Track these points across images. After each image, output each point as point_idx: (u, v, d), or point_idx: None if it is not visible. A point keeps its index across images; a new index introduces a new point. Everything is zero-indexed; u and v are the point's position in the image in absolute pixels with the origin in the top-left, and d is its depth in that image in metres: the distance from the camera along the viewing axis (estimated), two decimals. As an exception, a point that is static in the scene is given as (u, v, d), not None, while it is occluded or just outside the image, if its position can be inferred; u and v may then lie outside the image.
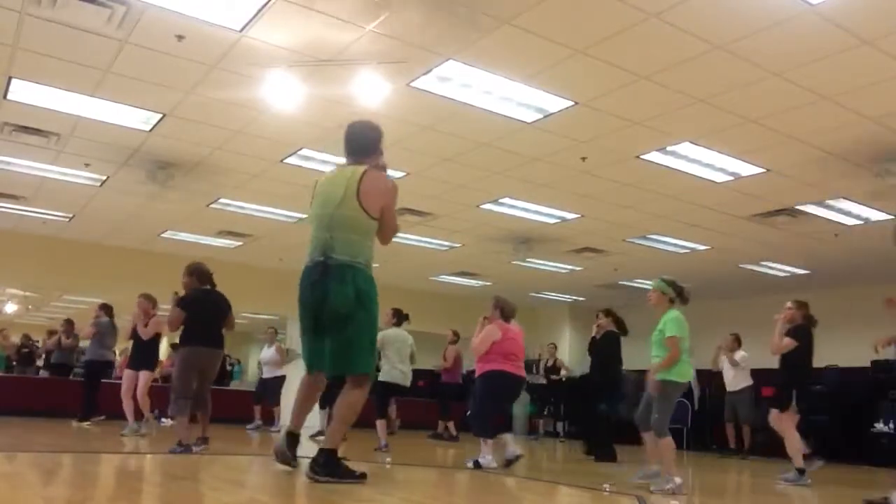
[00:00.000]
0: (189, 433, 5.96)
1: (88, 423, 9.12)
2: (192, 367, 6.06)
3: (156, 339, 8.36)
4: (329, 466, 3.64)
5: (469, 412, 6.54)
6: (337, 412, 3.82)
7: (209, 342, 6.16)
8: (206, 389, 6.30)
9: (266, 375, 11.40)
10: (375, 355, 3.94)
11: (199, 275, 6.26)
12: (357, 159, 3.97)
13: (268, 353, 11.57)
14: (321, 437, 9.25)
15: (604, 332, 8.43)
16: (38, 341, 15.46)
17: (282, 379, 11.03)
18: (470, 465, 6.15)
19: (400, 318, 8.26)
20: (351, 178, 3.84)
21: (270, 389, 11.21)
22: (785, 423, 6.38)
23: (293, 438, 4.05)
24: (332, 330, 3.77)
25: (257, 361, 12.03)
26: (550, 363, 13.40)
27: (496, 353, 6.50)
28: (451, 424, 11.08)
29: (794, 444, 6.29)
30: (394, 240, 4.20)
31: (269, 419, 11.28)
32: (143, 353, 8.31)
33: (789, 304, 6.58)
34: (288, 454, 3.98)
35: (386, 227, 3.95)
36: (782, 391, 6.49)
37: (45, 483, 3.73)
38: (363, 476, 3.74)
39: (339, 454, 3.79)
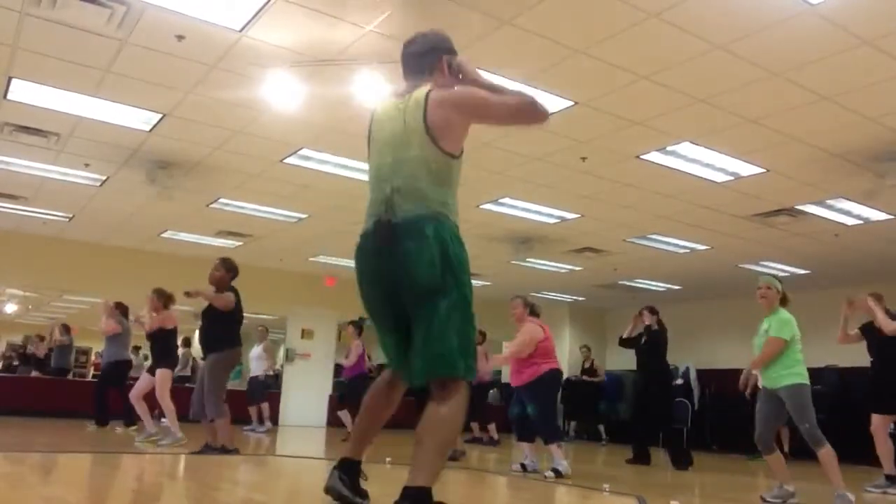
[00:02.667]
0: (233, 436, 5.93)
1: (133, 427, 8.86)
2: (231, 367, 6.08)
3: (172, 334, 7.97)
4: None
5: (528, 416, 6.35)
6: (432, 438, 2.51)
7: (240, 343, 6.24)
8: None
9: (255, 373, 11.43)
10: (475, 351, 2.66)
11: (234, 272, 6.18)
12: (417, 80, 2.90)
13: (256, 350, 11.60)
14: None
15: (654, 329, 8.31)
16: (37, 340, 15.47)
17: (274, 377, 11.05)
18: (550, 474, 5.98)
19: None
20: (413, 106, 2.79)
21: (258, 387, 11.21)
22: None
23: (351, 468, 2.91)
24: (418, 312, 2.61)
25: (248, 359, 12.05)
26: (588, 365, 13.59)
27: (543, 352, 6.39)
28: (492, 427, 10.91)
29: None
30: None
31: (258, 417, 11.25)
32: (161, 351, 7.86)
33: (866, 295, 6.42)
34: (347, 495, 2.83)
35: (502, 116, 2.97)
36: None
37: (45, 483, 3.73)
38: None
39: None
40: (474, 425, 11.07)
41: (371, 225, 2.75)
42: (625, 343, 8.69)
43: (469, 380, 2.60)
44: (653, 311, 8.44)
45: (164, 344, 7.81)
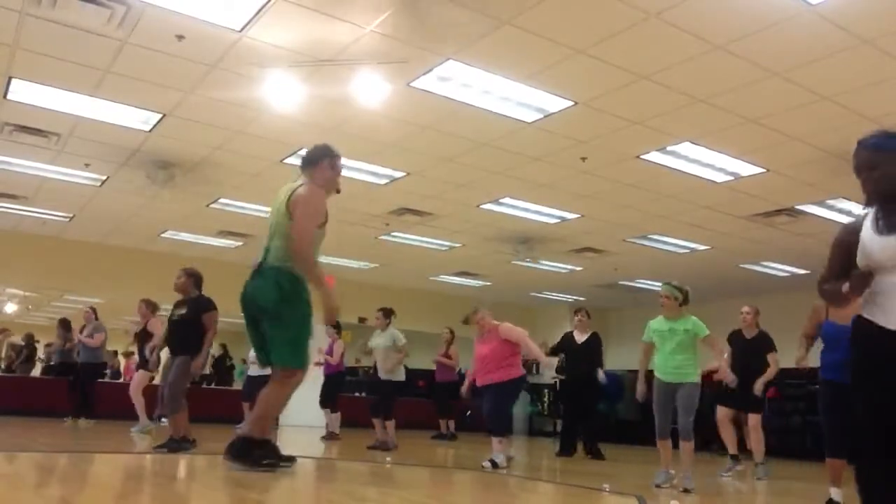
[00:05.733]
0: (189, 428, 6.05)
1: (90, 420, 9.28)
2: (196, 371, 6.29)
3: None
4: (243, 454, 3.85)
5: (478, 413, 6.51)
6: (265, 405, 4.04)
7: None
8: None
9: (252, 373, 11.42)
10: (306, 350, 4.10)
11: (196, 279, 6.31)
12: (304, 170, 4.24)
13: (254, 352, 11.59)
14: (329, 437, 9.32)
15: (593, 332, 8.66)
16: (37, 342, 15.42)
17: (268, 377, 11.03)
18: (487, 465, 6.09)
19: (390, 315, 8.23)
20: (288, 190, 4.10)
21: (257, 387, 11.21)
22: None
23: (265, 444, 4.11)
24: (265, 324, 4.00)
25: (242, 359, 12.07)
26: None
27: (517, 357, 6.56)
28: (451, 423, 11.09)
29: None
30: (393, 239, 4.21)
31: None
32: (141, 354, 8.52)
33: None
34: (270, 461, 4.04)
35: (294, 228, 3.99)
36: None
37: (45, 483, 3.73)
38: (287, 460, 3.98)
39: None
40: (441, 422, 11.22)
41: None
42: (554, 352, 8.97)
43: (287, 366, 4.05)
44: (588, 313, 8.82)
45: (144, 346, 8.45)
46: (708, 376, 5.75)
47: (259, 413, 4.02)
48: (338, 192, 4.30)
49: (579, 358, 8.65)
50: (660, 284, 5.66)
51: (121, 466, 4.93)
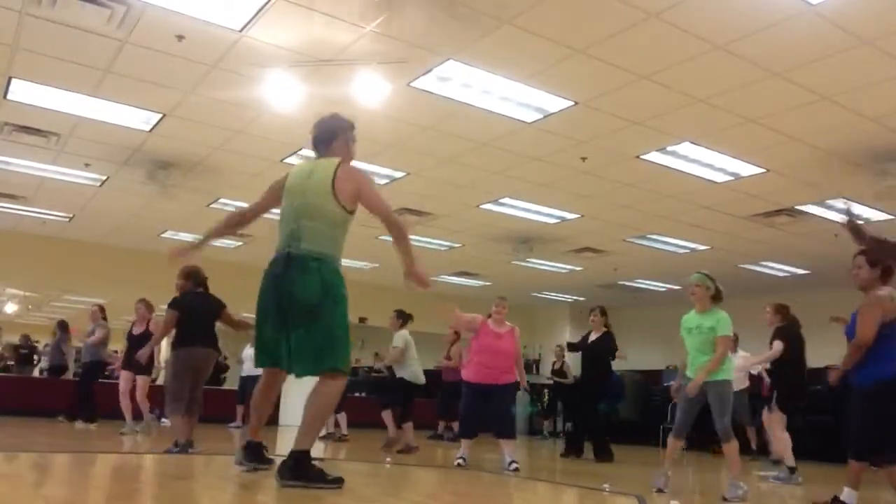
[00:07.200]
0: (187, 432, 5.97)
1: (94, 424, 9.16)
2: (188, 367, 6.07)
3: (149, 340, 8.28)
4: (300, 470, 3.39)
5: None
6: (311, 411, 3.51)
7: (204, 342, 6.20)
8: (200, 390, 6.30)
9: (245, 373, 11.43)
10: (350, 351, 3.61)
11: (194, 277, 6.30)
12: (326, 151, 3.80)
13: (249, 351, 11.59)
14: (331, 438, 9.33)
15: (604, 331, 8.43)
16: (37, 342, 15.43)
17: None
18: (516, 466, 6.16)
19: (404, 319, 8.34)
20: (325, 167, 3.64)
21: (250, 387, 11.21)
22: None
23: (256, 448, 3.84)
24: (299, 325, 3.43)
25: (237, 359, 12.06)
26: (558, 366, 13.43)
27: None
28: (454, 424, 11.04)
29: None
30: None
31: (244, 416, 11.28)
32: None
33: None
34: (253, 462, 3.80)
35: (378, 213, 3.63)
36: None
37: (44, 483, 3.73)
38: (337, 481, 3.43)
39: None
40: (441, 423, 11.25)
41: (276, 255, 3.66)
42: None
43: (342, 369, 3.53)
44: (603, 312, 8.55)
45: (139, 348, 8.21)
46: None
47: (309, 422, 3.52)
48: None
49: (588, 357, 8.53)
50: (660, 285, 5.61)
51: (122, 466, 4.93)
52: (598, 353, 8.38)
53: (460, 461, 6.32)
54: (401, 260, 3.65)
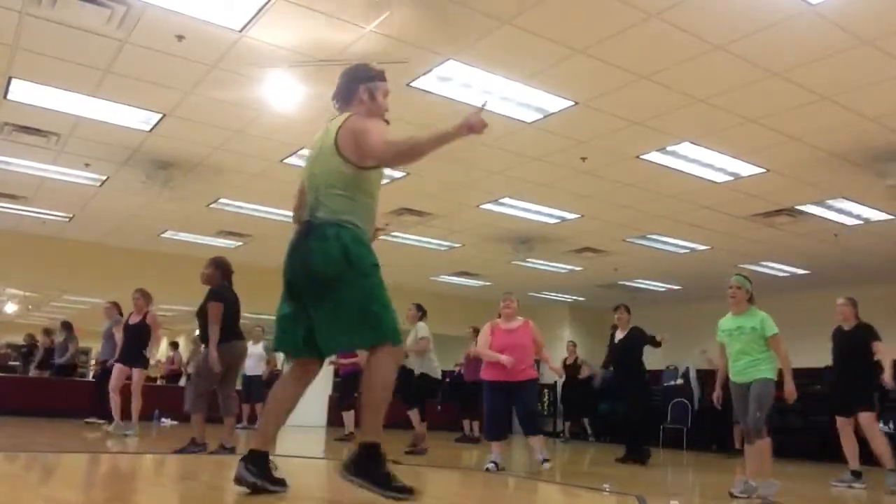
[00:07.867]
0: (204, 431, 5.90)
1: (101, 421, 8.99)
2: (231, 363, 6.00)
3: (147, 334, 8.21)
4: (367, 467, 2.86)
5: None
6: (368, 395, 2.98)
7: (240, 335, 6.16)
8: (234, 387, 6.20)
9: (249, 372, 11.42)
10: (393, 318, 3.04)
11: (224, 269, 6.20)
12: (343, 107, 3.37)
13: (252, 349, 11.58)
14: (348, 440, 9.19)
15: (632, 327, 8.19)
16: (38, 342, 15.46)
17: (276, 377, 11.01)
18: (548, 463, 6.16)
19: (423, 312, 8.20)
20: (334, 125, 3.24)
21: (254, 386, 11.22)
22: None
23: (258, 459, 3.06)
24: (320, 299, 2.99)
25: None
26: (570, 361, 13.16)
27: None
28: (475, 424, 10.84)
29: None
30: (393, 239, 3.94)
31: (255, 418, 11.25)
32: (135, 349, 8.12)
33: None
34: (254, 481, 3.02)
35: (373, 157, 3.13)
36: None
37: (44, 483, 3.73)
38: (402, 491, 2.84)
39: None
40: (465, 423, 11.09)
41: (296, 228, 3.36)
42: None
43: (389, 339, 3.00)
44: (629, 309, 8.38)
45: (139, 343, 8.15)
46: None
47: (369, 407, 2.98)
48: (386, 122, 3.32)
49: (617, 356, 8.33)
50: (660, 284, 5.60)
51: (122, 466, 4.93)
52: (627, 352, 8.14)
53: (491, 465, 5.98)
54: (447, 141, 3.15)
